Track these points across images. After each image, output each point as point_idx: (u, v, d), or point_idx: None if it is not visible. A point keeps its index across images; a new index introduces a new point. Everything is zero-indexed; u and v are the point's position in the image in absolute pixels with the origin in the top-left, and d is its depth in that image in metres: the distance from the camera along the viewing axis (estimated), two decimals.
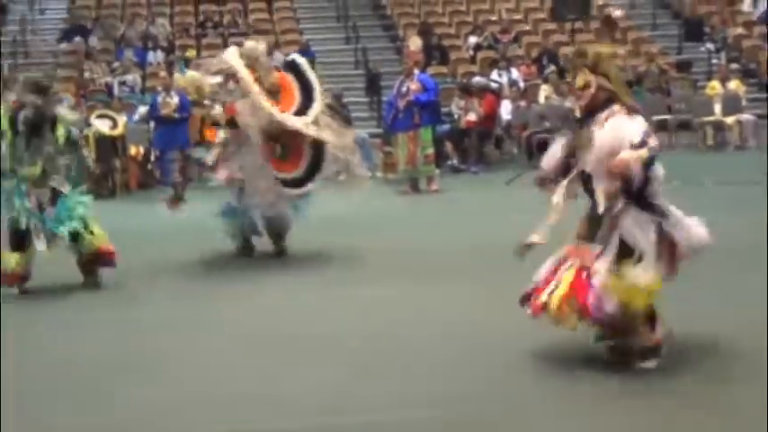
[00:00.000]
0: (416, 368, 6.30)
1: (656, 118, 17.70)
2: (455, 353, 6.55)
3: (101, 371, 6.62)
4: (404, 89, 15.44)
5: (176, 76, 17.24)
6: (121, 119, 17.81)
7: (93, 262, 9.28)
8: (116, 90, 21.45)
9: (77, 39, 24.06)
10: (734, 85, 20.42)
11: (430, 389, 5.90)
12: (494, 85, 20.33)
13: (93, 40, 24.20)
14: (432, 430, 5.36)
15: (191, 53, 22.71)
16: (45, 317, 8.47)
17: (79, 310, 8.62)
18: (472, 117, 18.30)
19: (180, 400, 5.92)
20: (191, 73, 19.37)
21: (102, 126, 16.92)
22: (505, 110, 19.24)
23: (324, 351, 6.81)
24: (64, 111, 9.67)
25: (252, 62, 10.01)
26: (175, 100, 16.67)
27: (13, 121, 9.05)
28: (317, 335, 7.21)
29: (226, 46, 23.30)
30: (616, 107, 5.90)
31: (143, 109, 18.63)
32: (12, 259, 9.10)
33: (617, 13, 22.72)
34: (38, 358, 6.99)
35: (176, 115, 16.75)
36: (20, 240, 9.13)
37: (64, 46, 24.22)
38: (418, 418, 5.45)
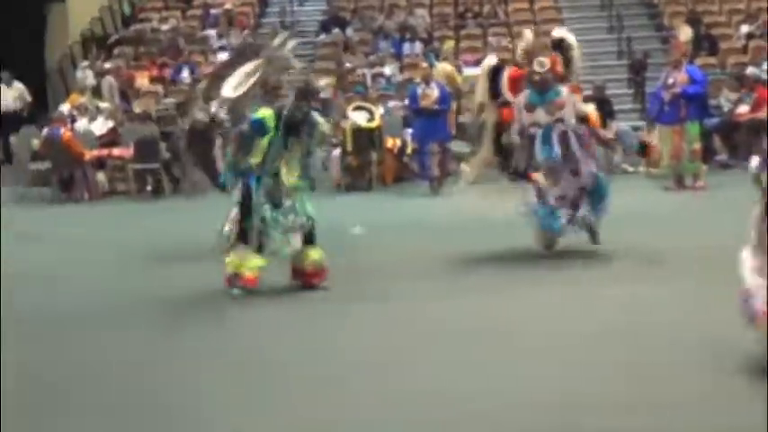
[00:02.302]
0: (640, 370, 6.26)
1: None
2: (699, 357, 6.43)
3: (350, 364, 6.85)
4: (670, 81, 15.23)
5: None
6: (378, 111, 18.19)
7: (301, 275, 9.27)
8: (370, 81, 21.92)
9: (336, 30, 24.71)
10: None
11: (656, 393, 5.83)
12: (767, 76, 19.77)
13: (351, 32, 24.82)
14: None
15: (449, 44, 22.98)
16: (289, 310, 8.72)
17: (334, 303, 8.80)
18: (743, 110, 17.87)
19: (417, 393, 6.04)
20: (441, 65, 19.84)
21: (360, 118, 17.30)
22: None
23: (566, 348, 6.84)
24: (322, 121, 9.60)
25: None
26: (435, 92, 16.82)
27: (277, 118, 9.16)
28: (556, 331, 7.27)
29: (485, 37, 23.72)
30: None
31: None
32: (255, 262, 9.07)
33: None
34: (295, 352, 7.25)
35: (436, 107, 16.76)
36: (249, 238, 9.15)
37: (323, 37, 24.90)
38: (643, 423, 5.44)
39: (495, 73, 10.34)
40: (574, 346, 6.88)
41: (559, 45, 10.41)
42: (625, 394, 5.86)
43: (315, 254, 9.18)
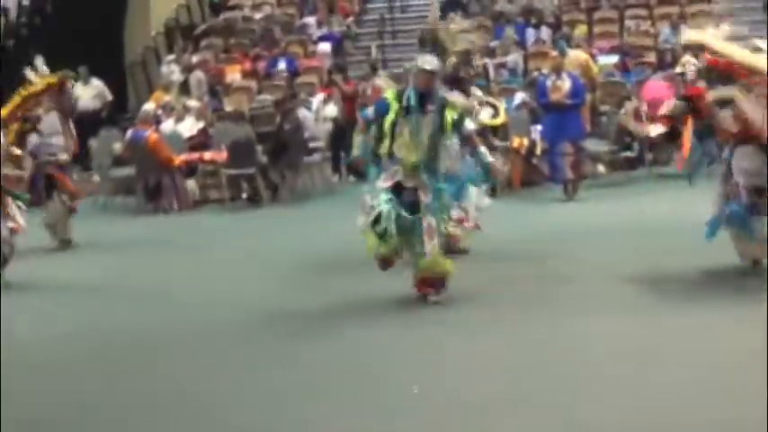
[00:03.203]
0: None
1: None
2: None
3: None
4: None
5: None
6: (502, 105, 17.98)
7: (422, 282, 9.49)
8: (492, 72, 21.71)
9: (451, 15, 24.52)
10: None
11: None
12: None
13: (468, 17, 24.66)
14: None
15: (581, 29, 22.73)
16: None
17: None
18: None
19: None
20: (574, 53, 19.56)
21: (483, 114, 17.09)
22: None
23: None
24: (454, 97, 9.94)
25: None
26: (567, 83, 16.49)
27: (399, 98, 9.39)
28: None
29: (622, 20, 23.37)
30: None
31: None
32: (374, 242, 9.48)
33: None
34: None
35: (568, 101, 16.44)
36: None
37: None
38: None
39: None
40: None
41: None
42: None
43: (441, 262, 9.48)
